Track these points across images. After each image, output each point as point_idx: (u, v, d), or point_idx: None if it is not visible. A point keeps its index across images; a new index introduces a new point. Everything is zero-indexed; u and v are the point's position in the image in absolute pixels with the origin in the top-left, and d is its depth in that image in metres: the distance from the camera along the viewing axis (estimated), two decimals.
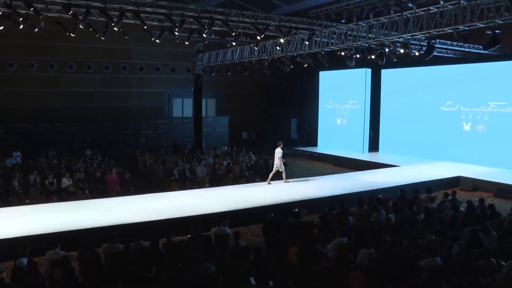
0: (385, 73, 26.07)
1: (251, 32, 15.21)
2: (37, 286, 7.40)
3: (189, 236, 9.69)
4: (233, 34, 14.30)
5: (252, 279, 6.81)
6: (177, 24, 13.14)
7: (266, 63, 19.34)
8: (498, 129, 20.46)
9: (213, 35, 19.04)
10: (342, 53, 16.21)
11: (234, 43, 15.99)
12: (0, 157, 19.29)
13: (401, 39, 13.61)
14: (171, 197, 14.89)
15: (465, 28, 11.48)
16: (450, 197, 13.15)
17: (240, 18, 14.06)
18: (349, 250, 8.91)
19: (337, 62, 18.47)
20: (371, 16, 17.68)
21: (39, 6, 12.25)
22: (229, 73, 22.27)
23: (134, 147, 25.23)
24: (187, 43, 15.23)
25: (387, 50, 16.43)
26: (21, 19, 12.43)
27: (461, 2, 11.14)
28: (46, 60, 25.90)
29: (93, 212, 12.40)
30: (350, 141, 26.31)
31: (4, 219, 11.45)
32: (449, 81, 22.56)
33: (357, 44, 14.79)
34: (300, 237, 9.67)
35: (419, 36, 12.95)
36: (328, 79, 28.62)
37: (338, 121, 28.02)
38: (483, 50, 11.79)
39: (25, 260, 7.98)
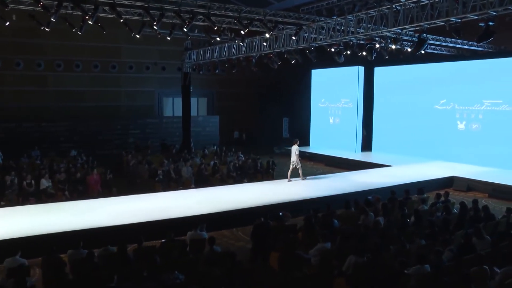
0: (378, 71, 25.59)
1: (237, 27, 14.54)
2: None
3: (163, 241, 9.07)
4: (215, 28, 13.65)
5: None
6: (156, 18, 12.48)
7: (253, 60, 18.74)
8: (493, 127, 20.04)
9: (196, 31, 18.42)
10: (332, 49, 15.58)
11: (218, 39, 15.32)
12: None
13: (391, 33, 13.03)
14: (153, 198, 14.32)
15: (457, 20, 10.92)
16: (442, 198, 12.62)
17: (223, 11, 13.38)
18: (332, 256, 8.33)
19: (328, 60, 17.90)
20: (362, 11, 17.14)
21: None
22: (217, 71, 21.65)
23: (122, 147, 24.79)
24: (168, 38, 14.58)
25: (377, 46, 15.90)
26: None
27: None
28: (33, 59, 25.46)
29: (68, 215, 11.79)
30: (343, 141, 25.78)
31: None
32: (443, 79, 22.11)
33: (345, 39, 14.19)
34: (282, 241, 9.08)
35: (410, 30, 12.35)
36: (320, 78, 28.08)
37: (331, 120, 27.47)
38: (477, 44, 11.19)
39: None
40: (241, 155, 21.05)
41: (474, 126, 20.84)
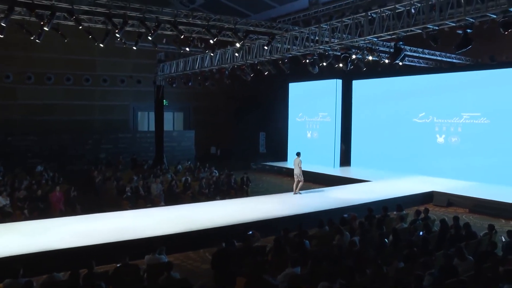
0: (356, 84, 25.19)
1: (207, 37, 13.79)
2: None
3: (117, 265, 8.21)
4: (182, 37, 12.87)
5: None
6: (119, 26, 11.70)
7: (226, 72, 18.02)
8: (472, 140, 19.74)
9: (164, 40, 17.63)
10: (307, 60, 14.94)
11: (187, 49, 14.54)
12: None
13: (367, 42, 12.47)
14: (118, 217, 13.42)
15: (434, 27, 10.39)
16: (422, 215, 11.99)
17: (190, 19, 12.62)
18: (302, 282, 7.56)
19: (303, 71, 17.33)
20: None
21: None
22: (190, 83, 20.87)
23: (94, 162, 23.81)
24: (134, 48, 13.78)
25: (354, 56, 15.36)
26: None
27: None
28: (1, 71, 24.57)
29: (20, 236, 10.82)
30: (321, 156, 25.15)
31: None
32: (422, 91, 21.81)
33: (320, 48, 13.57)
34: (249, 265, 8.30)
35: (386, 38, 11.79)
36: (298, 91, 27.60)
37: (308, 135, 26.88)
38: (455, 52, 10.66)
39: None
40: (215, 170, 20.32)
41: (453, 139, 20.48)
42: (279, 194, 17.61)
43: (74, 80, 27.01)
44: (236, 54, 15.80)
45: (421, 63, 21.03)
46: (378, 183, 19.50)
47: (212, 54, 16.72)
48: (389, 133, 23.14)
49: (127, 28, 13.23)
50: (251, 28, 13.67)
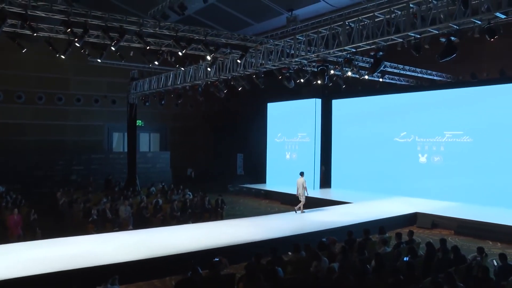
0: (336, 104, 24.60)
1: (177, 50, 12.94)
2: None
3: None
4: (147, 48, 12.02)
5: None
6: (79, 34, 10.81)
7: (199, 89, 17.19)
8: (455, 159, 19.23)
9: (131, 53, 16.67)
10: (283, 73, 14.16)
11: (156, 63, 13.69)
12: None
13: (345, 53, 11.79)
14: (80, 242, 12.39)
15: (416, 35, 9.74)
16: (406, 238, 11.17)
17: (157, 30, 11.78)
18: None
19: (283, 92, 16.63)
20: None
21: None
22: (163, 102, 19.96)
23: (63, 184, 22.57)
24: (99, 60, 12.88)
25: (332, 72, 14.69)
26: None
27: (410, 5, 9.41)
28: None
29: None
30: None
31: None
32: (403, 110, 21.35)
33: (296, 61, 12.84)
34: None
35: (365, 48, 11.11)
36: (276, 111, 26.87)
37: (287, 156, 26.08)
38: (439, 61, 9.97)
39: None
40: (189, 193, 19.34)
41: (436, 158, 19.91)
42: (255, 217, 16.76)
43: (46, 99, 26.08)
44: (209, 69, 15.02)
45: (402, 81, 20.53)
46: (359, 205, 18.74)
47: (183, 69, 15.89)
48: (370, 153, 22.51)
49: (91, 40, 12.40)
50: (223, 40, 12.89)
